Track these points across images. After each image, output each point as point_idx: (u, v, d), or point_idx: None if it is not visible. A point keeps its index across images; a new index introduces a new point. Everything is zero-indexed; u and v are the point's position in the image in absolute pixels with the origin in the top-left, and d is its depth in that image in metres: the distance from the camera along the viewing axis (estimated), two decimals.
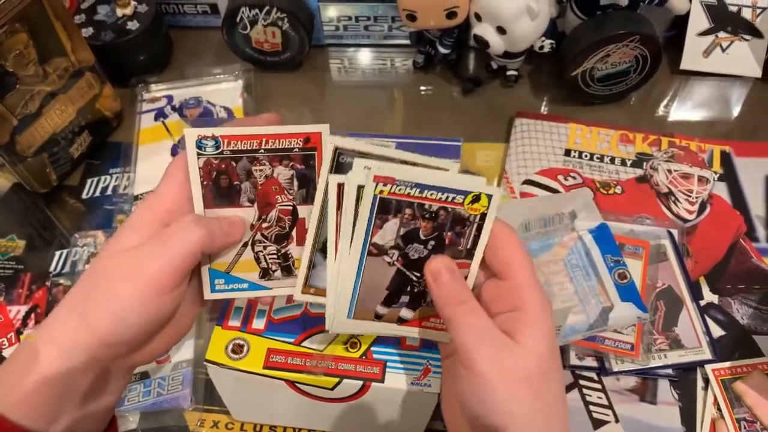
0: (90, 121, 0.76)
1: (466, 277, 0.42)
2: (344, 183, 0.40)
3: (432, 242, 0.41)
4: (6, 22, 0.62)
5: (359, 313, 0.43)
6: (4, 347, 0.64)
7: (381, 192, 0.39)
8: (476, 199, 0.40)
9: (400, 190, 0.39)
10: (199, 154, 0.42)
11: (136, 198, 0.73)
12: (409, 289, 0.43)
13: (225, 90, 0.82)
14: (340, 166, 0.42)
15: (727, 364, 0.58)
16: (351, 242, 0.40)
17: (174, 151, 0.77)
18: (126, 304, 0.38)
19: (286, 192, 0.44)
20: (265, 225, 0.45)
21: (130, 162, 0.76)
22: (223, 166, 0.43)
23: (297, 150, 0.43)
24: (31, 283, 0.68)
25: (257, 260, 0.45)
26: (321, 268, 0.44)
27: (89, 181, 0.77)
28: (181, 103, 0.81)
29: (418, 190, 0.39)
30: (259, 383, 0.54)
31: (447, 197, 0.40)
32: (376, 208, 0.39)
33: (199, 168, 0.42)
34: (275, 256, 0.45)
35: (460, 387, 0.39)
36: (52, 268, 0.69)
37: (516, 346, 0.38)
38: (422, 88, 0.84)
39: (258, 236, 0.45)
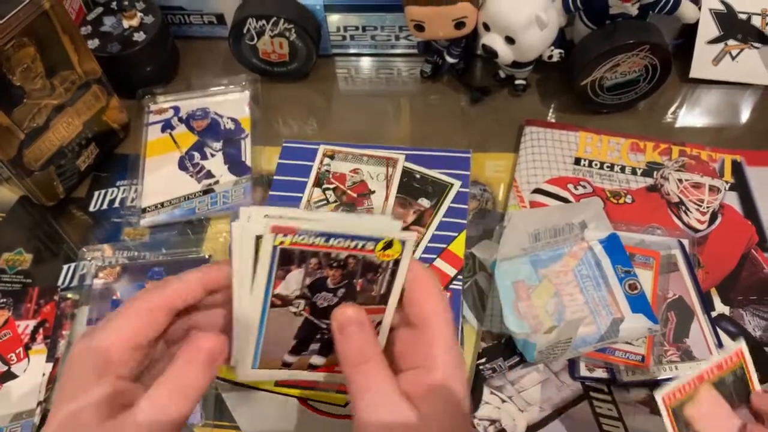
0: (97, 134, 0.76)
1: (380, 323, 0.39)
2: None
3: (342, 290, 0.38)
4: (13, 37, 0.62)
5: (265, 362, 0.40)
6: (12, 362, 0.63)
7: (281, 243, 0.35)
8: (388, 245, 0.37)
9: (302, 239, 0.35)
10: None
11: (143, 210, 0.73)
12: (318, 336, 0.40)
13: (232, 101, 0.82)
14: None
15: (674, 384, 0.49)
16: (251, 293, 0.37)
17: (181, 163, 0.77)
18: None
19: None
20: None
21: (137, 174, 0.76)
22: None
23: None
24: (39, 298, 0.68)
25: None
26: None
27: (96, 193, 0.77)
28: (187, 114, 0.81)
29: (324, 239, 0.36)
30: (270, 400, 0.54)
31: (356, 245, 0.36)
32: (276, 259, 0.36)
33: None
34: None
35: None
36: (60, 282, 0.69)
37: (412, 419, 0.34)
38: (429, 97, 0.84)
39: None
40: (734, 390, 0.49)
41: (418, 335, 0.37)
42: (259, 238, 0.35)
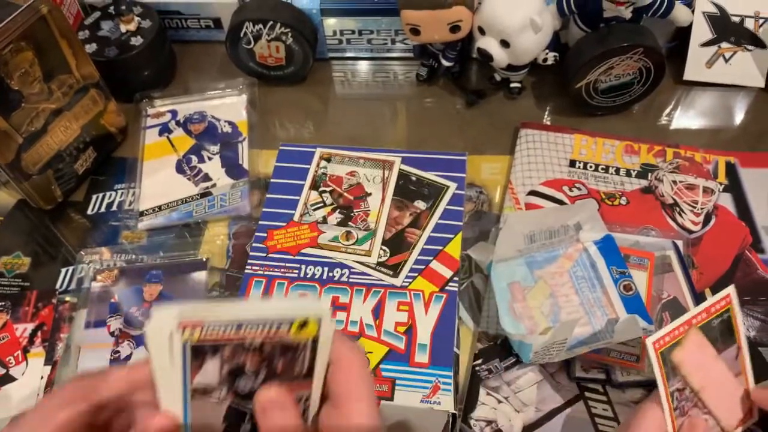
0: (95, 137, 0.76)
1: (308, 398, 0.38)
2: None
3: (263, 372, 0.38)
4: (11, 41, 0.62)
5: None
6: (10, 365, 0.64)
7: (191, 338, 0.35)
8: (303, 325, 0.36)
9: (212, 332, 0.35)
10: None
11: (141, 213, 0.73)
12: (248, 417, 0.39)
13: (229, 104, 0.83)
14: None
15: (664, 331, 0.48)
16: (171, 389, 0.37)
17: (179, 167, 0.77)
18: None
19: None
20: None
21: (135, 177, 0.76)
22: None
23: None
24: (38, 301, 0.68)
25: None
26: None
27: (94, 197, 0.77)
28: (185, 117, 0.81)
29: (234, 328, 0.35)
30: None
31: (270, 329, 0.36)
32: (188, 354, 0.36)
33: None
34: None
35: None
36: (58, 285, 0.70)
37: None
38: (426, 100, 0.85)
39: None
40: (720, 334, 0.49)
41: (339, 415, 0.37)
42: (170, 336, 0.35)
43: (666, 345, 0.46)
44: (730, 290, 0.49)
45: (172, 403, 0.37)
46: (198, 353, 0.36)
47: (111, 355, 0.64)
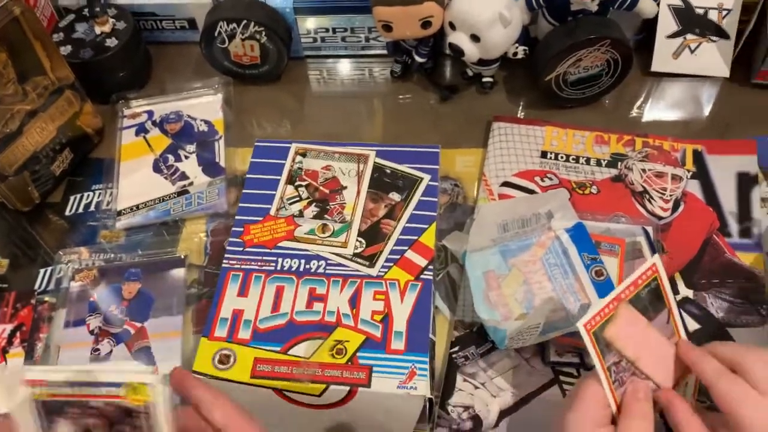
0: (71, 139, 0.77)
1: None
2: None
3: None
4: None
5: None
6: None
7: (39, 395, 0.39)
8: (134, 390, 0.39)
9: (54, 390, 0.39)
10: None
11: (119, 213, 0.73)
12: None
13: (205, 103, 0.83)
14: None
15: (593, 311, 0.47)
16: None
17: (156, 166, 0.77)
18: None
19: None
20: None
21: (112, 178, 0.77)
22: None
23: None
24: (16, 302, 0.68)
25: None
26: None
27: (72, 197, 0.77)
28: (161, 117, 0.82)
29: (75, 387, 0.39)
30: (247, 393, 0.55)
31: (105, 391, 0.39)
32: (40, 410, 0.39)
33: None
34: None
35: None
36: (36, 286, 0.70)
37: None
38: (400, 96, 0.86)
39: None
40: (649, 303, 0.50)
41: None
42: (24, 394, 0.39)
43: (597, 324, 0.47)
44: (655, 259, 0.50)
45: None
46: (49, 411, 0.39)
47: (91, 353, 0.64)
